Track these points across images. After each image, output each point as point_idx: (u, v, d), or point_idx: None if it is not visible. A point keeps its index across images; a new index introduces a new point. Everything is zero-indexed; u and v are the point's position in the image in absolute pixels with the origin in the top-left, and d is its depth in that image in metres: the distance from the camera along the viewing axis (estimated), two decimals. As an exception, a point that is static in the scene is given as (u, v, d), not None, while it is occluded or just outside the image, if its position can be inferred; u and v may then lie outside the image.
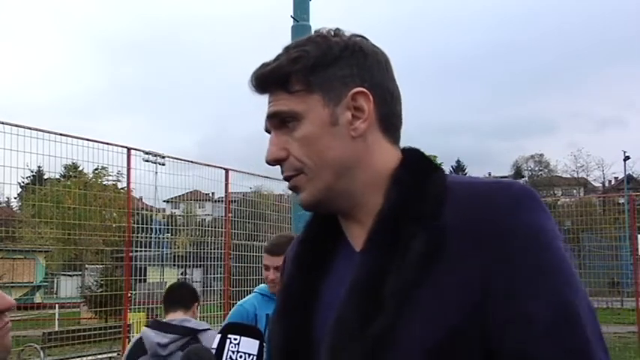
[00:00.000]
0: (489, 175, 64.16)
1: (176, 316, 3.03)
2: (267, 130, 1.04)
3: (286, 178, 1.02)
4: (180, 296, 3.15)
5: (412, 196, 0.95)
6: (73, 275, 18.71)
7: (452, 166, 58.99)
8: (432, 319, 0.88)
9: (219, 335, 0.98)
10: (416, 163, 1.01)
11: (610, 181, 57.14)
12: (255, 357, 0.95)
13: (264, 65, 1.02)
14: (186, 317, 3.03)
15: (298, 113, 0.98)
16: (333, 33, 1.03)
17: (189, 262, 11.20)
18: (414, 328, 0.88)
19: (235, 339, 0.97)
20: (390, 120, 1.03)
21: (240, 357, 0.95)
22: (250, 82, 1.03)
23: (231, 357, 0.95)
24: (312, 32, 1.09)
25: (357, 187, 1.00)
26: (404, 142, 1.06)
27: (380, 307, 0.89)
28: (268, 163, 1.02)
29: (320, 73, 0.98)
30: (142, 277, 11.14)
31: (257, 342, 0.96)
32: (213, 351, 0.96)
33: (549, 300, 0.86)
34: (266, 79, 1.00)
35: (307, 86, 0.98)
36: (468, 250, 0.89)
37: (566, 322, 0.86)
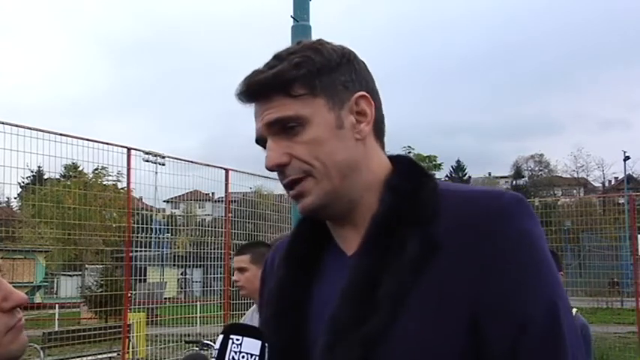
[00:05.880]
0: (489, 175, 64.22)
1: None
2: (259, 140, 1.03)
3: (290, 183, 1.01)
4: None
5: (406, 202, 0.98)
6: (73, 275, 18.72)
7: (452, 166, 59.00)
8: (426, 321, 0.90)
9: (222, 335, 0.98)
10: (408, 170, 1.04)
11: (610, 181, 57.18)
12: (257, 357, 0.95)
13: (258, 72, 1.01)
14: None
15: (304, 117, 0.98)
16: (321, 42, 1.05)
17: (189, 262, 11.20)
18: (407, 329, 0.90)
19: (238, 339, 0.97)
20: (381, 125, 1.07)
21: (243, 357, 0.95)
22: (242, 90, 1.01)
23: (233, 357, 0.95)
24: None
25: (358, 190, 1.02)
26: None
27: (374, 307, 0.91)
28: (269, 169, 1.01)
29: (324, 77, 1.00)
30: (142, 277, 11.15)
31: (259, 342, 0.96)
32: (216, 352, 0.96)
33: (541, 302, 0.90)
34: (267, 85, 0.99)
35: (312, 90, 0.99)
36: (462, 255, 0.92)
37: (554, 325, 0.90)
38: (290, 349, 1.00)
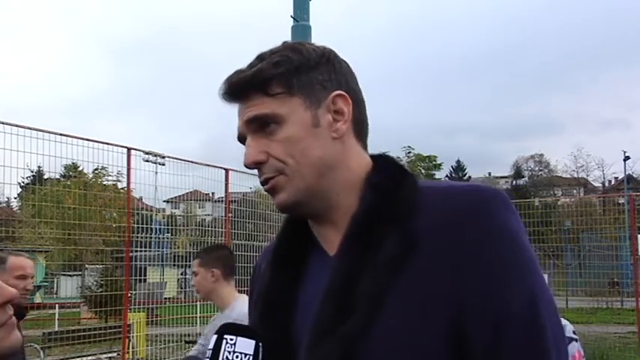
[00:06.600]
0: (489, 175, 64.19)
1: None
2: (241, 138, 1.05)
3: (265, 181, 1.03)
4: None
5: (386, 200, 0.98)
6: (73, 275, 18.73)
7: (452, 166, 58.94)
8: (408, 319, 0.90)
9: (216, 336, 0.98)
10: (389, 168, 1.04)
11: (610, 181, 57.18)
12: (251, 357, 0.95)
13: (239, 71, 1.03)
14: None
15: (280, 115, 1.00)
16: (302, 43, 1.07)
17: (189, 262, 11.15)
18: (389, 328, 0.90)
19: (232, 339, 0.97)
20: (362, 125, 1.07)
21: (237, 357, 0.95)
22: (224, 89, 1.03)
23: (227, 357, 0.95)
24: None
25: (335, 188, 1.02)
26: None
27: (354, 307, 0.92)
28: (247, 166, 1.03)
29: (302, 76, 1.01)
30: (142, 277, 11.14)
31: (253, 342, 0.96)
32: (210, 352, 0.96)
33: (522, 298, 0.90)
34: (246, 83, 1.01)
35: (289, 89, 1.00)
36: (441, 251, 0.92)
37: (534, 321, 0.89)
38: (278, 350, 1.00)
